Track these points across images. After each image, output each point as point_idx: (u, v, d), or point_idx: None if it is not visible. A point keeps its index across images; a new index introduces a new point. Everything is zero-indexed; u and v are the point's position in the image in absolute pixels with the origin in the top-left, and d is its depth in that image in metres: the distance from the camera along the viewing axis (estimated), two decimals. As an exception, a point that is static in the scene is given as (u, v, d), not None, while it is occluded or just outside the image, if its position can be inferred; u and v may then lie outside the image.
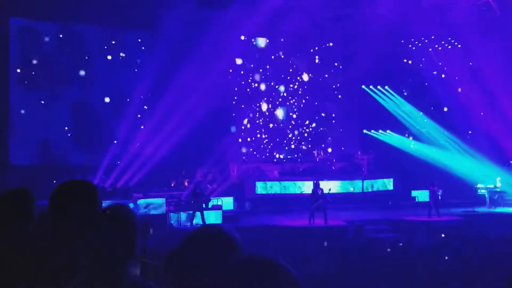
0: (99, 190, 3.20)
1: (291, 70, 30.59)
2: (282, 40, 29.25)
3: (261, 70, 29.91)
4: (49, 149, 25.12)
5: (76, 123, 25.81)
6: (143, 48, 27.23)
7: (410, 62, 31.63)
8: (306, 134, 30.62)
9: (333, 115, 31.25)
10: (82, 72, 25.90)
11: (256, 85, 29.81)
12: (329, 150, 29.88)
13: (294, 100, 30.64)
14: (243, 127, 29.33)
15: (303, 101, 30.73)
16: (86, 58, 26.05)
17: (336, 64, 31.17)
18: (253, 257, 1.48)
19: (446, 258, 12.27)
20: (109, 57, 26.52)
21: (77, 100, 25.97)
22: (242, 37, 28.32)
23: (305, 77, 30.81)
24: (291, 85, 30.62)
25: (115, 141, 25.55)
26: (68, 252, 2.79)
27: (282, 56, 30.23)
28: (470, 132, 30.87)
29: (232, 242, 2.15)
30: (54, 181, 16.81)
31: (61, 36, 25.56)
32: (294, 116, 30.66)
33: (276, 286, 1.40)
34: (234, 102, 29.09)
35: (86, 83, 26.04)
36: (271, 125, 30.14)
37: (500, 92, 29.05)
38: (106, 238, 2.61)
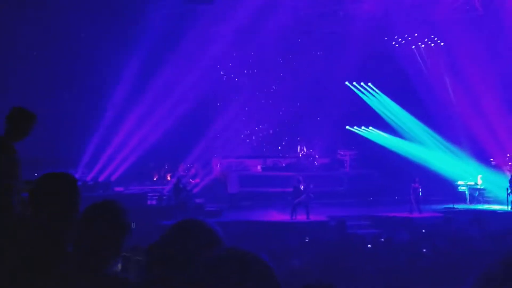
0: (80, 184, 3.19)
1: (274, 66, 30.58)
2: (266, 36, 29.22)
3: (245, 68, 29.87)
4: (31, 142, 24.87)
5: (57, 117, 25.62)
6: (125, 42, 27.05)
7: (393, 59, 31.80)
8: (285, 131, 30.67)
9: (316, 111, 31.31)
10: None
11: (238, 80, 29.78)
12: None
13: (277, 96, 30.65)
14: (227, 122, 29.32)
15: (286, 97, 30.75)
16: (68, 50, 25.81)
17: (319, 60, 31.20)
18: (233, 251, 1.48)
19: (424, 250, 12.37)
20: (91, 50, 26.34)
21: (57, 92, 25.76)
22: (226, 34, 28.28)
23: (289, 73, 30.84)
24: (275, 81, 30.63)
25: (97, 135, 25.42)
26: (48, 244, 2.77)
27: (266, 52, 30.21)
28: (452, 129, 31.13)
29: (213, 236, 2.16)
30: (35, 174, 16.67)
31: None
32: (277, 111, 30.70)
33: (255, 279, 1.41)
34: (217, 97, 29.06)
35: (67, 77, 25.79)
36: (254, 121, 30.14)
37: (481, 90, 29.35)
38: (89, 234, 2.60)
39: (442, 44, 29.56)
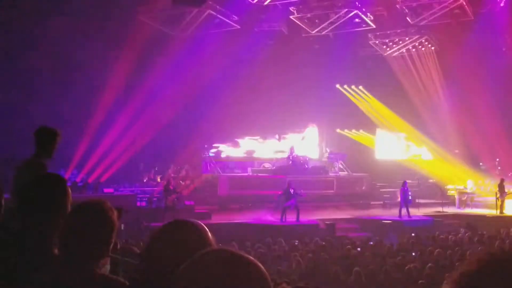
0: (69, 184, 3.18)
1: (264, 68, 30.60)
2: (256, 37, 29.28)
3: (235, 70, 29.88)
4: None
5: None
6: (116, 43, 26.96)
7: (384, 63, 31.95)
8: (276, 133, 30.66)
9: (308, 113, 31.37)
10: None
11: (228, 82, 29.78)
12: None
13: (267, 98, 30.67)
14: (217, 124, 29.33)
15: (276, 99, 30.79)
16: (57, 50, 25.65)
17: (310, 62, 31.29)
18: (224, 252, 1.48)
19: (414, 254, 12.43)
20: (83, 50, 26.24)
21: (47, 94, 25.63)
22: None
23: (280, 75, 30.86)
24: (265, 84, 30.64)
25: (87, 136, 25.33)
26: (36, 245, 2.76)
27: (256, 54, 30.26)
28: (442, 133, 31.26)
29: (203, 237, 2.16)
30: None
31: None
32: (267, 114, 30.72)
33: (245, 281, 1.41)
34: (207, 99, 29.08)
35: (57, 78, 25.66)
36: (244, 123, 30.14)
37: (472, 95, 29.50)
38: (76, 233, 2.59)
39: (433, 48, 29.70)
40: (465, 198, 25.85)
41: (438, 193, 27.67)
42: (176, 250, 2.09)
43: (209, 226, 2.28)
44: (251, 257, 1.47)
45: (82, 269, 2.53)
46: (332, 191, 27.27)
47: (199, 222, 2.28)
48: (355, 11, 24.92)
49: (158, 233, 2.20)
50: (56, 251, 2.69)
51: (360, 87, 31.65)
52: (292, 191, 20.82)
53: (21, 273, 2.66)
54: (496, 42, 27.34)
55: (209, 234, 2.19)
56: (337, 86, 30.99)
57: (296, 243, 15.29)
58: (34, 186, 3.02)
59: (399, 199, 22.85)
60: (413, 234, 17.18)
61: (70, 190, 3.07)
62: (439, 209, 24.47)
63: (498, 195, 23.45)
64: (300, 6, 25.22)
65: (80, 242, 2.56)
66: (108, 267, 3.01)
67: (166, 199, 20.91)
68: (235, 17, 25.00)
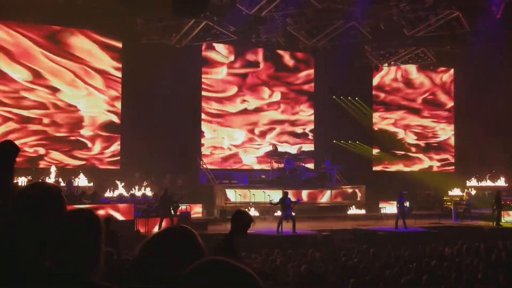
0: (66, 194, 3.15)
1: (264, 79, 30.67)
2: (253, 47, 29.37)
3: (233, 78, 29.96)
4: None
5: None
6: (116, 53, 27.02)
7: (379, 74, 32.04)
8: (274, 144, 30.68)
9: (303, 125, 31.42)
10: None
11: (226, 92, 29.83)
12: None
13: (264, 109, 30.73)
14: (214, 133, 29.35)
15: (275, 109, 30.85)
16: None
17: (308, 73, 31.39)
18: (219, 262, 1.47)
19: (410, 266, 12.41)
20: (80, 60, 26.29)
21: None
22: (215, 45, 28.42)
23: (278, 86, 30.95)
24: (264, 94, 30.71)
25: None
26: (31, 253, 2.74)
27: (255, 65, 30.33)
28: (438, 144, 31.29)
29: (195, 243, 2.15)
30: (20, 183, 16.55)
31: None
32: (264, 124, 30.75)
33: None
34: (204, 107, 29.13)
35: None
36: (242, 132, 30.17)
37: (467, 107, 29.55)
38: (67, 243, 2.57)
39: (429, 60, 29.79)
40: (462, 210, 25.82)
41: (435, 204, 27.72)
42: (169, 257, 2.09)
43: (205, 236, 2.28)
44: (248, 268, 1.46)
45: (74, 279, 2.51)
46: (328, 202, 27.23)
47: (191, 228, 2.28)
48: (352, 23, 25.03)
49: (151, 241, 2.20)
50: (47, 262, 2.67)
51: (356, 98, 31.73)
52: (288, 202, 20.77)
53: (10, 286, 2.64)
54: (492, 53, 27.30)
55: (200, 240, 2.19)
56: (334, 97, 31.04)
57: (293, 254, 15.23)
58: (28, 197, 2.97)
59: (396, 211, 22.81)
60: (409, 246, 17.15)
61: (64, 200, 3.04)
62: (436, 220, 24.44)
63: (494, 207, 23.45)
64: (297, 17, 25.31)
65: (71, 251, 2.54)
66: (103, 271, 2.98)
67: (162, 209, 20.86)
68: (232, 28, 25.09)
